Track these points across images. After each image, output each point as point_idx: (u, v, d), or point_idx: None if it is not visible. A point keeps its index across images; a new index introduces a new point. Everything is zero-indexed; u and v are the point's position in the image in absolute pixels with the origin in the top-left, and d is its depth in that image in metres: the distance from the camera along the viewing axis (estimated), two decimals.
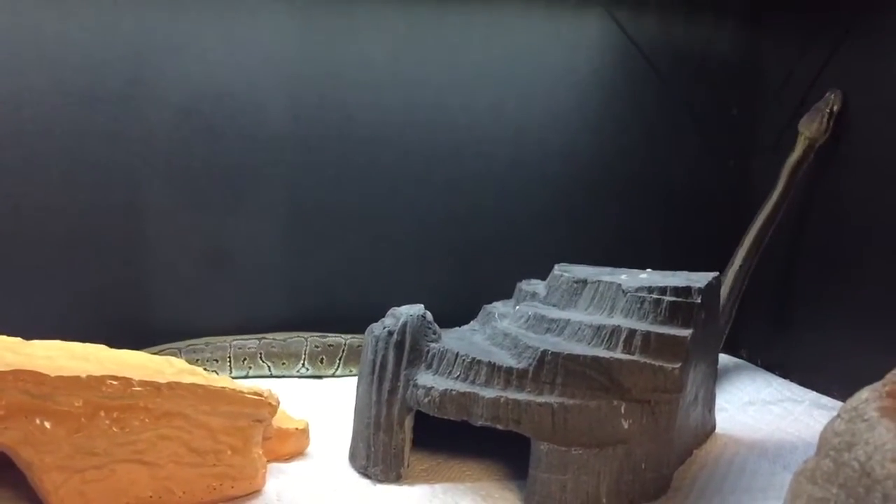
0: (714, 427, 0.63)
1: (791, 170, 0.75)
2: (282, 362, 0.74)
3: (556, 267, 0.63)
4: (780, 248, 0.82)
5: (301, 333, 0.75)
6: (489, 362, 0.49)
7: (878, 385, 0.35)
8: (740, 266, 0.76)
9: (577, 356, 0.48)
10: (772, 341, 0.83)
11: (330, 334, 0.76)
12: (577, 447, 0.46)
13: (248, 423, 0.46)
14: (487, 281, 0.77)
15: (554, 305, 0.59)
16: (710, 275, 0.60)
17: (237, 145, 0.75)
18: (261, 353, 0.73)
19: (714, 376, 0.63)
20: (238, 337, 0.74)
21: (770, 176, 0.78)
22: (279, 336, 0.74)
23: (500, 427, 0.47)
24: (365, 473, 0.51)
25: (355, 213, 0.80)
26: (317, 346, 0.75)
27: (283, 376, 0.74)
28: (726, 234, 0.88)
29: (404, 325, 0.52)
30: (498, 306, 0.62)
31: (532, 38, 0.82)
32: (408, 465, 0.51)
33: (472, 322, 0.63)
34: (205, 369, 0.69)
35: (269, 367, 0.74)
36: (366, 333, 0.55)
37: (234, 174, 0.76)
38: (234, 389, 0.45)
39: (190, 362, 0.70)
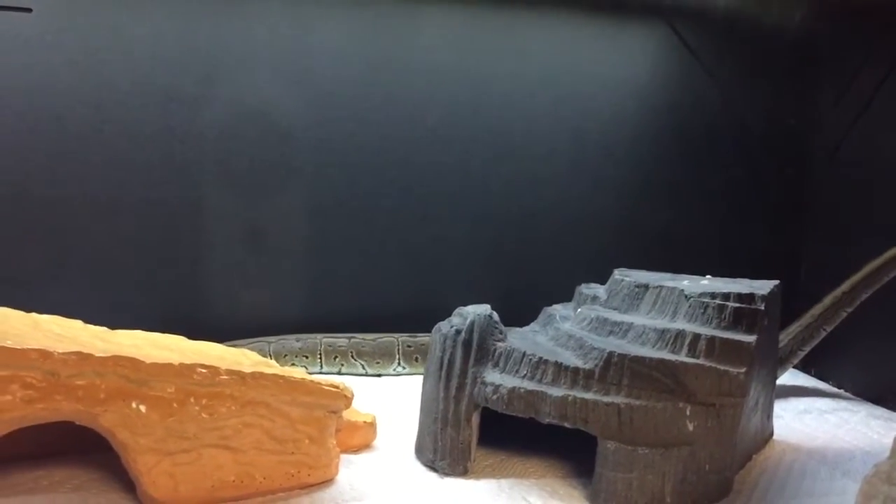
0: (772, 433, 0.63)
1: None
2: (376, 361, 0.76)
3: (616, 272, 0.64)
4: (831, 254, 0.83)
5: (390, 334, 0.78)
6: (556, 362, 0.51)
7: None
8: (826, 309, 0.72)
9: (644, 358, 0.49)
10: (825, 352, 0.83)
11: (419, 334, 0.77)
12: (643, 447, 0.47)
13: (324, 413, 0.48)
14: (544, 284, 0.79)
15: (615, 309, 0.60)
16: (772, 283, 0.61)
17: (307, 148, 0.77)
18: (352, 352, 0.76)
19: (773, 383, 0.63)
20: (329, 335, 0.77)
21: (827, 185, 0.78)
22: (368, 336, 0.77)
23: (567, 425, 0.49)
24: (432, 467, 0.53)
25: (417, 215, 0.82)
26: (409, 346, 0.77)
27: (380, 375, 0.76)
28: (782, 242, 0.89)
29: (472, 323, 0.54)
30: (559, 308, 0.64)
31: (595, 45, 0.84)
32: (474, 460, 0.52)
33: (532, 324, 0.64)
34: (293, 364, 0.73)
35: (362, 365, 0.76)
36: (433, 332, 0.56)
37: (302, 176, 0.78)
38: (312, 381, 0.47)
39: (278, 357, 0.73)
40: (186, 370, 0.43)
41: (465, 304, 0.58)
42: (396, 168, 0.80)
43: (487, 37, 0.81)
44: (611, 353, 0.50)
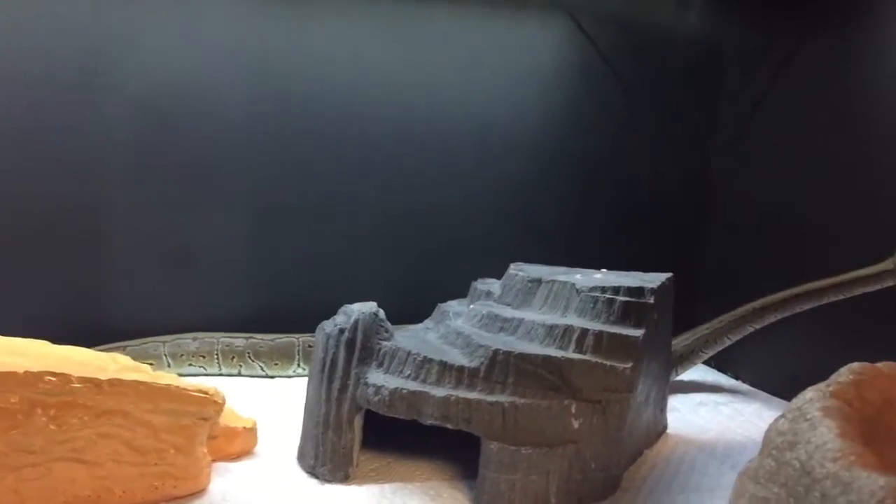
0: (665, 427, 0.63)
1: (855, 279, 0.61)
2: (274, 362, 0.73)
3: (512, 266, 0.63)
4: (732, 251, 0.83)
5: (290, 334, 0.74)
6: (441, 361, 0.49)
7: (822, 385, 0.35)
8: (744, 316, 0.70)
9: (529, 355, 0.48)
10: None
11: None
12: (526, 446, 0.46)
13: (192, 421, 0.45)
14: (446, 279, 0.76)
15: (508, 305, 0.59)
16: (664, 275, 0.61)
17: (195, 141, 0.74)
18: (249, 353, 0.72)
19: (666, 377, 0.63)
20: (226, 334, 0.73)
21: (732, 175, 0.78)
22: (267, 336, 0.73)
23: (450, 426, 0.47)
24: (313, 473, 0.50)
25: (316, 211, 0.79)
26: (310, 346, 0.73)
27: (278, 376, 0.72)
28: (683, 238, 0.89)
29: (356, 322, 0.52)
30: (453, 305, 0.62)
31: (496, 38, 0.82)
32: (356, 465, 0.50)
33: (426, 321, 0.62)
34: (190, 365, 0.69)
35: (260, 366, 0.72)
36: (317, 331, 0.54)
37: (193, 170, 0.74)
38: (178, 387, 0.44)
39: (175, 356, 0.69)
40: (32, 378, 0.40)
41: (367, 301, 0.55)
42: (293, 163, 0.77)
43: (386, 28, 0.79)
44: (496, 351, 0.48)
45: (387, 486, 0.49)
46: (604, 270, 0.64)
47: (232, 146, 0.75)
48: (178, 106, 0.73)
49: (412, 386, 0.48)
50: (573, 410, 0.47)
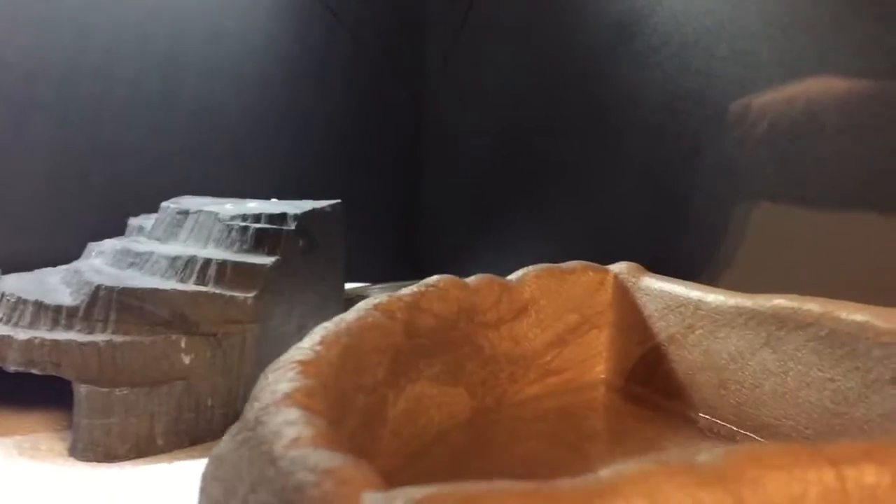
0: None
1: None
2: None
3: (173, 200, 0.59)
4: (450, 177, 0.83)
5: None
6: (36, 301, 0.44)
7: (373, 301, 0.33)
8: None
9: (134, 289, 0.43)
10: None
11: None
12: (122, 387, 0.42)
13: None
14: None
15: (158, 239, 0.54)
16: (330, 202, 0.58)
17: None
18: None
19: (337, 303, 0.61)
20: None
21: (440, 102, 0.77)
22: None
23: (36, 371, 0.42)
24: None
25: None
26: None
27: None
28: (397, 160, 0.87)
29: None
30: (106, 244, 0.57)
31: None
32: None
33: (72, 263, 0.56)
34: None
35: None
36: None
37: None
38: None
39: None
40: None
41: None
42: None
43: None
44: (98, 287, 0.44)
45: None
46: (274, 200, 0.61)
47: None
48: None
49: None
50: (183, 345, 0.44)
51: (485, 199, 0.80)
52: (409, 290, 0.36)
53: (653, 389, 0.42)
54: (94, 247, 0.56)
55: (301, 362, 0.24)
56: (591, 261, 0.46)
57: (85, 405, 0.42)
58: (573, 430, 0.39)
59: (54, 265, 0.58)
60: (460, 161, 0.83)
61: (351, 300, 0.69)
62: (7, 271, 0.68)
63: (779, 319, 0.36)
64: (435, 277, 0.38)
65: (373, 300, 0.33)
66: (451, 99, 0.83)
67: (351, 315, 0.31)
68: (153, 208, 0.62)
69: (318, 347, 0.26)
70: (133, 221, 0.58)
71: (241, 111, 0.80)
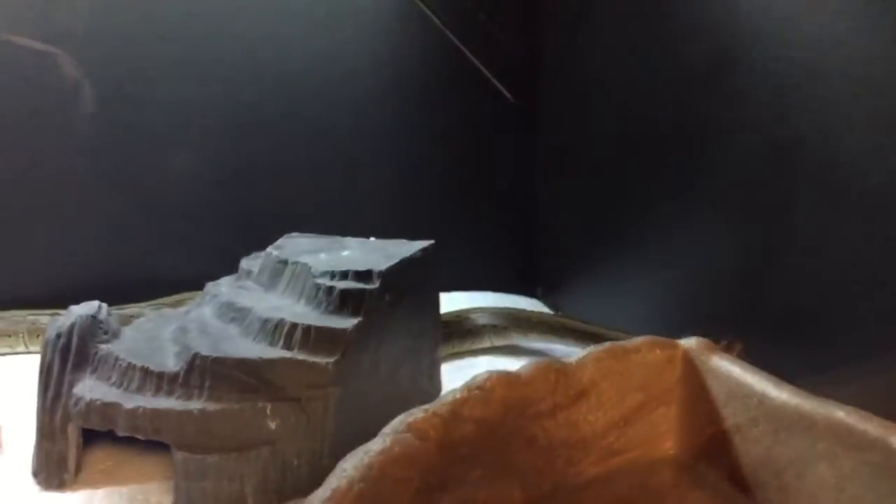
0: (439, 393, 0.63)
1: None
2: None
3: (283, 239, 0.62)
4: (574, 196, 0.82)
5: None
6: (143, 367, 0.49)
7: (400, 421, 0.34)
8: None
9: (225, 359, 0.47)
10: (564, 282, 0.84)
11: (126, 306, 0.73)
12: (213, 454, 0.46)
13: None
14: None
15: (263, 286, 0.58)
16: (419, 245, 0.59)
17: None
18: None
19: (435, 342, 0.63)
20: (34, 311, 0.73)
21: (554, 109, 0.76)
22: None
23: (140, 437, 0.47)
24: (36, 480, 0.51)
25: (116, 177, 0.78)
26: None
27: None
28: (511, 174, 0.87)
29: (72, 326, 0.51)
30: (222, 283, 0.61)
31: None
32: (72, 472, 0.50)
33: (191, 304, 0.61)
34: None
35: None
36: (47, 330, 0.53)
37: None
38: None
39: None
40: None
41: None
42: (89, 127, 0.75)
43: None
44: (195, 355, 0.48)
45: (100, 491, 0.49)
46: (372, 239, 0.63)
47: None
48: None
49: (111, 395, 0.48)
50: (268, 412, 0.47)
51: (603, 205, 0.79)
52: (451, 395, 0.36)
53: (722, 475, 0.42)
54: (210, 288, 0.60)
55: None
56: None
57: (181, 469, 0.46)
58: None
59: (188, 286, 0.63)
60: (575, 173, 0.82)
61: (451, 324, 0.71)
62: (149, 290, 0.75)
63: (836, 434, 0.35)
64: (482, 376, 0.38)
65: (407, 417, 0.34)
66: (565, 109, 0.82)
67: (377, 445, 0.32)
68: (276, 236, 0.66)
69: None
70: (244, 264, 0.62)
71: (353, 133, 0.83)
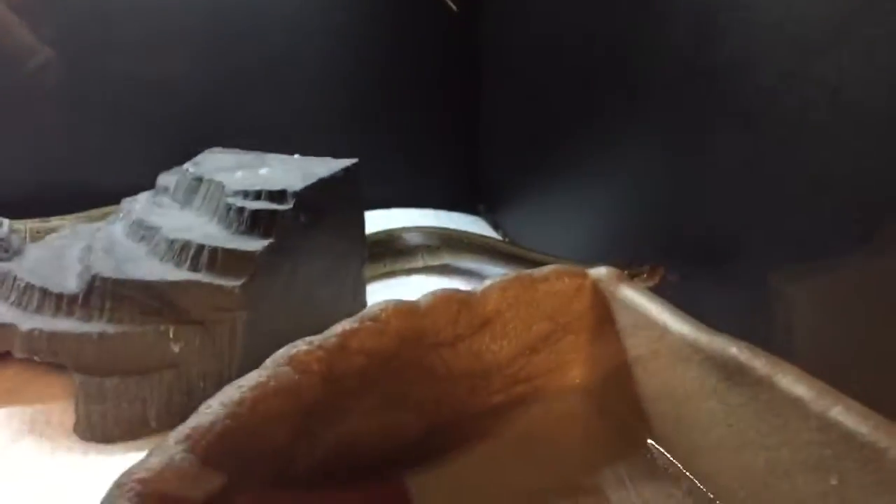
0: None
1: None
2: None
3: (203, 154, 0.60)
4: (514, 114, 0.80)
5: None
6: (41, 287, 0.47)
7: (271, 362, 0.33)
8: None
9: (126, 280, 0.46)
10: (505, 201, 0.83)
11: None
12: (113, 376, 0.45)
13: None
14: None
15: (178, 202, 0.56)
16: (342, 164, 0.57)
17: None
18: None
19: (359, 262, 0.61)
20: None
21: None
22: None
23: (38, 359, 0.46)
24: None
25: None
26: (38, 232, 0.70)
27: None
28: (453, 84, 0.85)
29: None
30: (140, 199, 0.59)
31: None
32: None
33: (107, 220, 0.59)
34: None
35: None
36: None
37: None
38: None
39: None
40: None
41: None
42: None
43: None
44: (94, 276, 0.46)
45: (0, 412, 0.48)
46: (296, 156, 0.61)
47: None
48: None
49: (8, 316, 0.46)
50: (171, 335, 0.46)
51: (543, 126, 0.77)
52: (340, 326, 0.35)
53: (626, 405, 0.41)
54: (126, 204, 0.58)
55: (142, 480, 0.25)
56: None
57: (81, 391, 0.45)
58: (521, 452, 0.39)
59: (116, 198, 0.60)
60: (516, 91, 0.79)
61: (383, 243, 0.70)
62: (75, 202, 0.72)
63: (727, 370, 0.34)
64: (378, 306, 0.37)
65: (289, 349, 0.33)
66: (509, 18, 0.79)
67: (250, 380, 0.31)
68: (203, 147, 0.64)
69: (181, 450, 0.27)
70: (161, 180, 0.59)
71: (288, 45, 0.80)
